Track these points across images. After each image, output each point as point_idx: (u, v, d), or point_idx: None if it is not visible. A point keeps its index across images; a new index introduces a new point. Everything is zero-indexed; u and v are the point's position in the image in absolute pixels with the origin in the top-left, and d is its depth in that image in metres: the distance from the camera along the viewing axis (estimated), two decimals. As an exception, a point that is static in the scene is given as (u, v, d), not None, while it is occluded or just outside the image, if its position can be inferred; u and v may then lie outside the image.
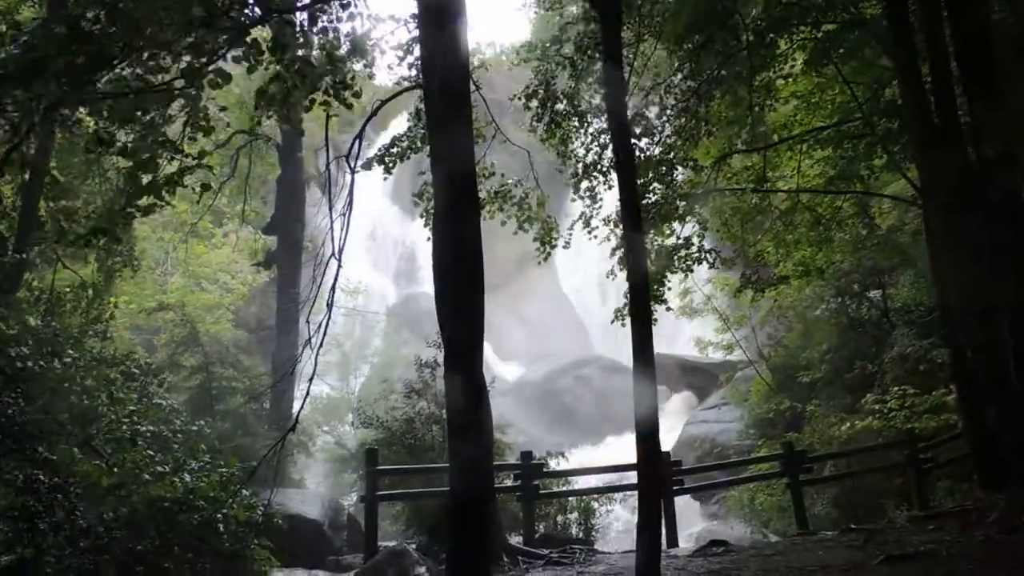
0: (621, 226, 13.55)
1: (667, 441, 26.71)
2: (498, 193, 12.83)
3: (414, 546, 13.79)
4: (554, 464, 15.24)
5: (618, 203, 14.36)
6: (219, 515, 9.47)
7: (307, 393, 9.09)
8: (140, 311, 21.17)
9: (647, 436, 6.55)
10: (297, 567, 12.12)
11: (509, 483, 13.16)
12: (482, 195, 12.84)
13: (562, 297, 42.41)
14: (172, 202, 9.82)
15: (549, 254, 14.04)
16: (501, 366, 35.95)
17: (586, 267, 42.58)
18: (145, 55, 7.88)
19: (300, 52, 8.73)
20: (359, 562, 12.07)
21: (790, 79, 14.74)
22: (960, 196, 10.01)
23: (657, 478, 6.82)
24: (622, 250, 14.03)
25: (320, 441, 26.04)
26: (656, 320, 15.93)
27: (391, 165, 12.33)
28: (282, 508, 14.18)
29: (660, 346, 30.44)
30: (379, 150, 12.25)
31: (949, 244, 10.42)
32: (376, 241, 44.47)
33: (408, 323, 35.29)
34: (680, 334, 30.90)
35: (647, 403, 6.65)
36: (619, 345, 38.17)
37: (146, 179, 8.96)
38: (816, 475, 14.46)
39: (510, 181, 12.89)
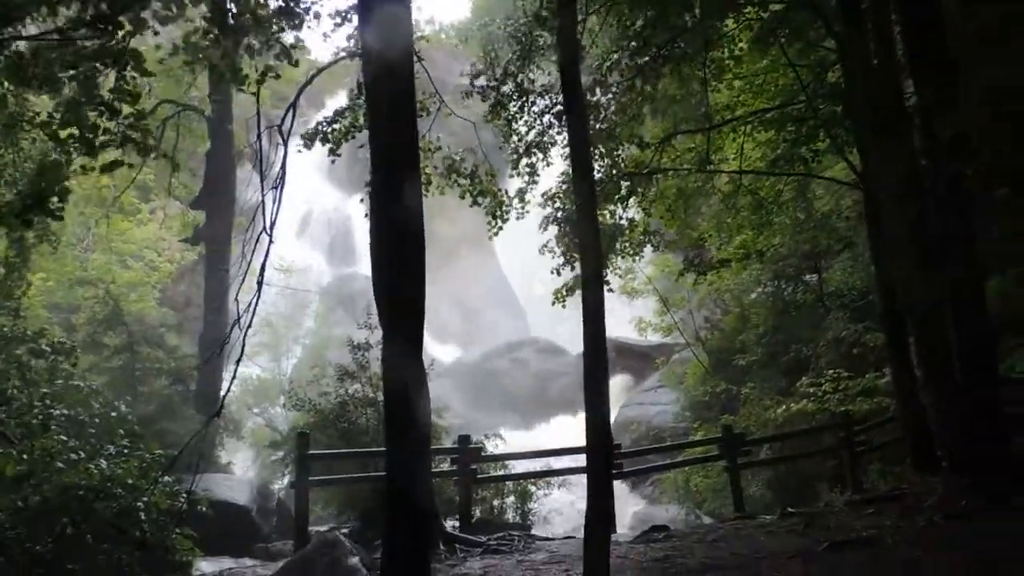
0: (569, 203, 13.33)
1: (603, 423, 26.81)
2: (450, 167, 12.40)
3: (347, 530, 13.45)
4: (491, 447, 14.98)
5: (560, 177, 14.35)
6: (139, 503, 8.94)
7: (234, 375, 8.57)
8: (59, 288, 20.17)
9: (598, 425, 6.26)
10: (224, 555, 11.61)
11: (446, 467, 12.86)
12: (429, 170, 12.43)
13: (501, 279, 42.15)
14: (129, 161, 9.28)
15: (501, 228, 13.70)
16: (438, 348, 35.47)
17: (525, 248, 42.40)
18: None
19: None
20: (289, 549, 11.64)
21: (736, 60, 14.63)
22: (909, 184, 9.98)
23: (608, 469, 6.55)
24: (559, 229, 13.79)
25: (251, 423, 25.36)
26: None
27: (336, 144, 11.79)
28: (208, 494, 13.56)
29: (597, 328, 30.49)
30: (320, 124, 11.63)
31: (897, 232, 10.37)
32: (310, 219, 43.48)
33: (342, 303, 34.59)
34: (616, 315, 30.83)
35: (598, 390, 6.35)
36: (557, 327, 38.22)
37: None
38: (753, 458, 14.42)
39: (458, 154, 12.47)
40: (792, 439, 15.21)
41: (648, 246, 15.00)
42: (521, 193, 13.62)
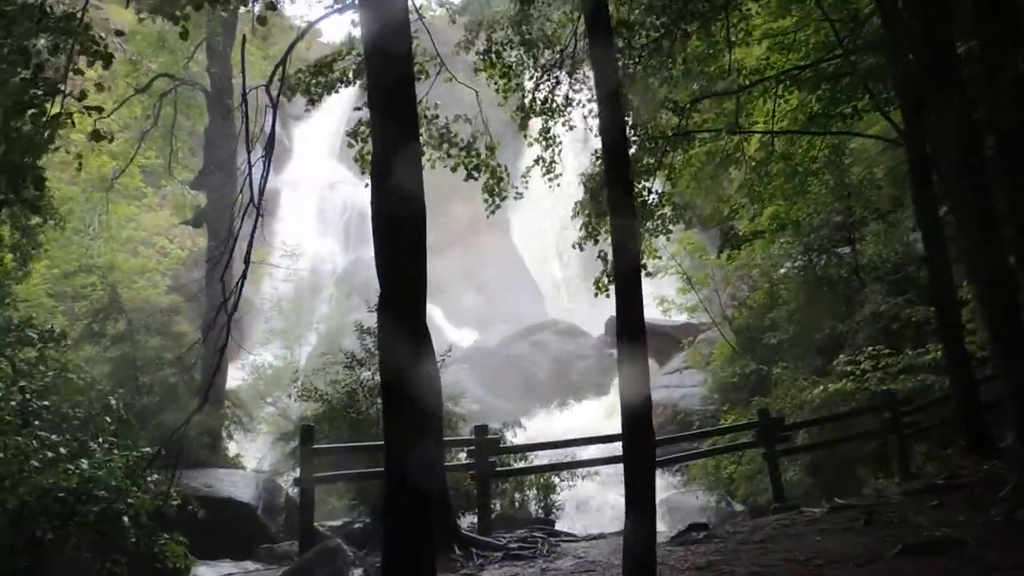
0: (604, 188, 12.32)
1: (627, 407, 25.86)
2: (442, 135, 11.41)
3: (360, 525, 12.64)
4: (511, 437, 14.12)
5: (595, 153, 13.29)
6: (123, 506, 8.14)
7: (217, 363, 7.77)
8: (64, 276, 19.46)
9: (637, 419, 5.35)
10: (225, 558, 10.82)
11: (463, 458, 12.03)
12: (423, 139, 11.49)
13: (516, 259, 41.21)
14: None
15: (498, 206, 12.70)
16: (454, 332, 34.71)
17: (540, 227, 41.43)
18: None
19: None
20: (295, 551, 10.82)
21: (762, 12, 13.62)
22: (966, 139, 8.96)
23: (650, 467, 5.62)
24: (583, 214, 12.77)
25: (264, 414, 24.66)
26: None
27: (317, 96, 10.79)
28: (210, 491, 12.89)
29: (615, 306, 29.66)
30: (299, 73, 10.65)
31: (956, 193, 9.33)
32: (324, 204, 42.71)
33: (357, 289, 33.77)
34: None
35: (638, 383, 5.44)
36: (575, 307, 37.26)
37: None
38: (791, 443, 13.45)
39: (453, 120, 11.47)
40: (834, 422, 14.17)
41: (679, 223, 13.98)
42: (544, 162, 12.59)
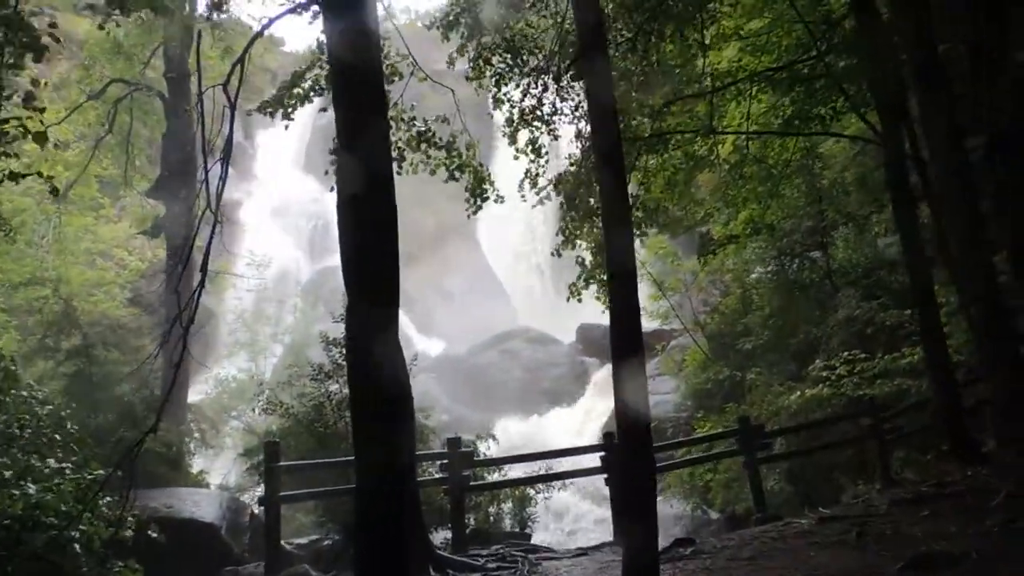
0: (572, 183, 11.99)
1: (598, 416, 25.64)
2: (421, 135, 10.98)
3: (329, 543, 12.16)
4: (484, 449, 13.71)
5: (570, 159, 12.96)
6: (74, 533, 7.61)
7: (173, 377, 7.30)
8: (17, 290, 18.67)
9: (636, 434, 5.00)
10: (185, 583, 10.27)
11: (434, 472, 11.61)
12: (403, 144, 11.10)
13: (485, 268, 40.83)
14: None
15: (480, 207, 12.32)
16: (423, 341, 34.22)
17: (509, 233, 41.13)
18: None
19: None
20: (260, 572, 10.32)
21: (735, 7, 13.44)
22: (955, 139, 8.78)
23: (651, 484, 5.26)
24: (562, 205, 12.40)
25: (231, 427, 23.98)
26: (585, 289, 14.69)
27: (290, 109, 10.36)
28: (171, 512, 12.32)
29: (588, 315, 29.15)
30: (280, 91, 10.19)
31: (947, 194, 9.15)
32: (288, 214, 42.03)
33: (323, 299, 33.14)
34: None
35: (637, 397, 5.09)
36: (545, 315, 36.93)
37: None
38: (771, 451, 13.18)
39: (432, 120, 11.06)
40: (814, 428, 13.96)
41: (652, 227, 13.68)
42: (531, 175, 12.23)
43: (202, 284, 6.89)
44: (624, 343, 5.20)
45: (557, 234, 12.81)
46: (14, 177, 7.11)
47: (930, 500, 8.52)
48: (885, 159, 12.01)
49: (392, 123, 10.63)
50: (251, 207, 40.81)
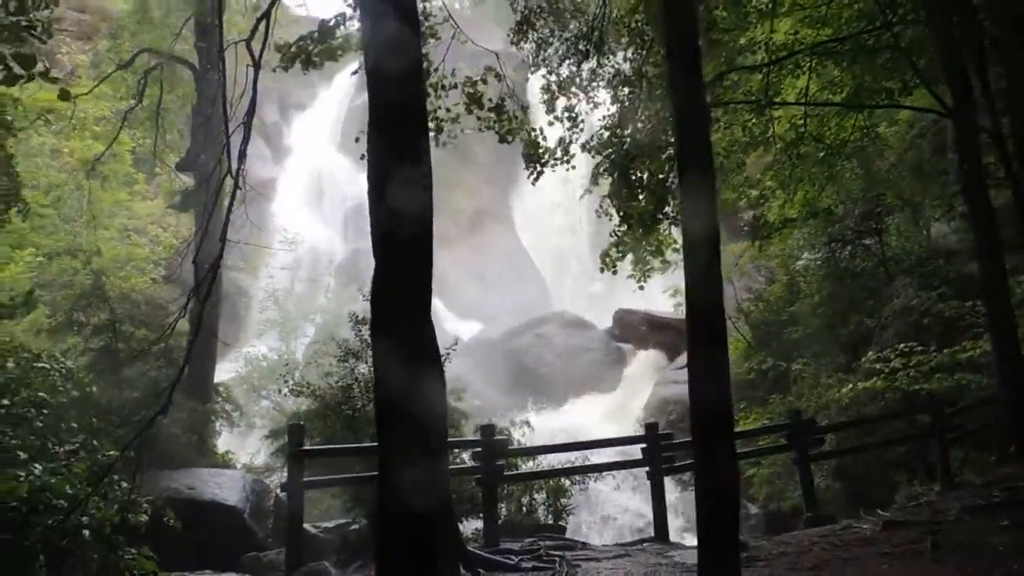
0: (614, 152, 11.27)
1: (635, 405, 24.95)
2: (471, 96, 10.31)
3: (356, 527, 11.66)
4: (518, 436, 13.14)
5: (605, 119, 12.25)
6: (83, 517, 7.15)
7: (187, 355, 6.74)
8: (44, 260, 18.39)
9: (712, 430, 4.35)
10: (206, 568, 9.82)
11: (466, 459, 11.08)
12: (442, 113, 10.43)
13: (521, 251, 40.15)
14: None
15: (541, 173, 11.69)
16: (457, 324, 33.69)
17: (545, 217, 40.44)
18: None
19: None
20: (283, 559, 9.84)
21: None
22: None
23: (731, 490, 4.60)
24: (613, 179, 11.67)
25: (261, 407, 23.68)
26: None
27: (318, 61, 9.66)
28: (193, 493, 11.93)
29: (625, 299, 28.32)
30: (301, 41, 9.48)
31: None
32: (323, 194, 41.68)
33: (356, 280, 32.71)
34: (646, 285, 28.96)
35: (717, 389, 4.46)
36: (580, 299, 36.25)
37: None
38: (823, 447, 12.44)
39: (480, 78, 10.39)
40: (868, 424, 13.19)
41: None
42: (563, 143, 11.58)
43: (220, 255, 6.36)
44: (702, 325, 4.54)
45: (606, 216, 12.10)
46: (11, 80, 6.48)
47: (1007, 508, 7.78)
48: (955, 137, 11.20)
49: (431, 90, 10.01)
50: (286, 186, 40.52)
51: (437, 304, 36.16)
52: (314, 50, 8.91)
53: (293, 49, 9.05)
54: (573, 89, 11.41)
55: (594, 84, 11.48)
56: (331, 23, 8.61)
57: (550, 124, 11.65)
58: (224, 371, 24.92)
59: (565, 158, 11.59)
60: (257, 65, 6.94)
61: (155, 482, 11.53)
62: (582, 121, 11.67)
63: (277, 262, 28.02)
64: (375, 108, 6.08)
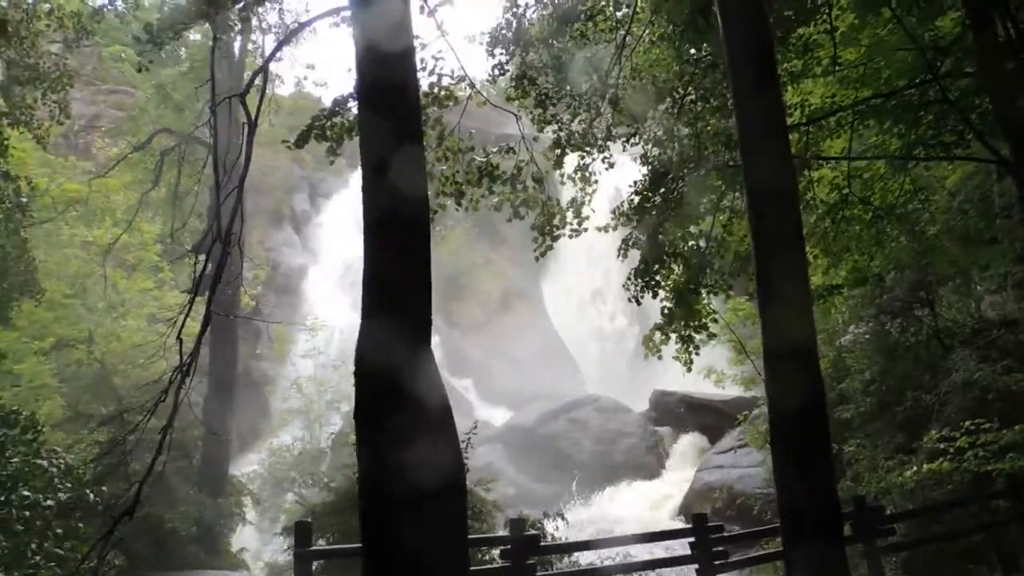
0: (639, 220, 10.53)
1: (677, 491, 23.60)
2: (481, 169, 9.64)
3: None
4: (551, 530, 12.05)
5: (633, 187, 11.52)
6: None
7: (161, 442, 5.95)
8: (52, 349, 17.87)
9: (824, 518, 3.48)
10: None
11: (495, 557, 10.05)
12: (460, 178, 9.81)
13: (552, 333, 39.30)
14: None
15: (550, 247, 10.91)
16: (487, 410, 32.71)
17: (574, 299, 39.75)
18: None
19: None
20: None
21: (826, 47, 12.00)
22: None
23: None
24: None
25: (287, 501, 22.73)
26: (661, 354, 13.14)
27: (336, 140, 9.13)
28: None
29: (660, 380, 27.20)
30: (315, 120, 8.92)
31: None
32: (352, 280, 41.42)
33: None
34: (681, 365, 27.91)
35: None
36: (614, 381, 35.11)
37: None
38: (893, 537, 11.22)
39: (495, 150, 9.75)
40: (938, 511, 11.98)
41: (738, 276, 12.13)
42: (575, 205, 10.88)
43: (204, 327, 5.62)
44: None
45: (632, 279, 11.26)
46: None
47: None
48: (1019, 190, 10.32)
49: (448, 154, 9.41)
50: (316, 274, 40.43)
51: (467, 387, 35.36)
52: (327, 124, 8.40)
53: (305, 129, 8.59)
54: (586, 147, 10.74)
55: (610, 143, 10.83)
56: (344, 97, 8.17)
57: (561, 183, 11.01)
58: (247, 463, 24.11)
59: (576, 222, 10.86)
60: (251, 123, 6.34)
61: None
62: (596, 181, 10.99)
63: (299, 350, 27.38)
64: (368, 89, 5.52)
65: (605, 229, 11.41)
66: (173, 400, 5.82)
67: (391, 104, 5.38)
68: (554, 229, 10.63)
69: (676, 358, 12.59)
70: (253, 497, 16.99)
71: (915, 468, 13.43)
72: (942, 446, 13.51)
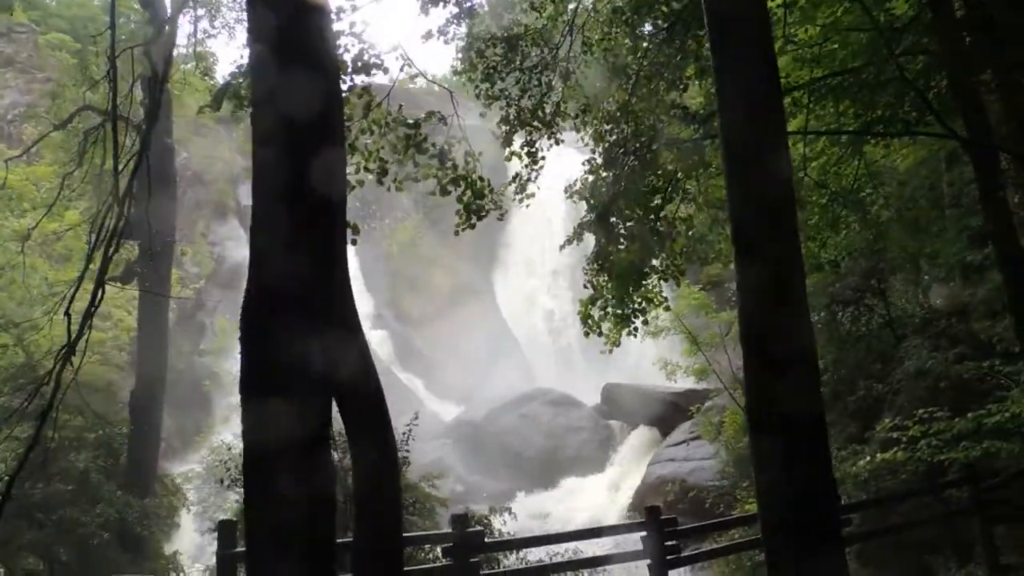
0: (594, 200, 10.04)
1: (628, 485, 23.28)
2: (409, 138, 8.99)
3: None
4: (499, 525, 11.55)
5: (586, 165, 11.09)
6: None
7: (33, 440, 5.34)
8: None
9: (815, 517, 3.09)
10: None
11: (437, 556, 9.51)
12: (386, 153, 9.18)
13: (503, 329, 38.81)
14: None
15: (471, 225, 10.23)
16: (437, 405, 32.13)
17: (526, 289, 39.36)
18: None
19: None
20: None
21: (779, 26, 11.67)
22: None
23: None
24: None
25: (231, 500, 21.89)
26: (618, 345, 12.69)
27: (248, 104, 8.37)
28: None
29: (611, 373, 26.89)
30: (231, 77, 8.18)
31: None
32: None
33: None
34: (634, 357, 27.65)
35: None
36: (565, 375, 34.74)
37: None
38: (848, 528, 10.89)
39: (424, 118, 9.10)
40: (894, 501, 11.76)
41: (694, 261, 11.73)
42: (520, 180, 10.36)
43: (93, 301, 4.98)
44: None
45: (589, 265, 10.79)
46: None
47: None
48: (974, 164, 10.09)
49: (375, 126, 8.80)
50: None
51: (416, 384, 34.72)
52: (242, 84, 7.68)
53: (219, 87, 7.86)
54: (535, 123, 10.22)
55: (559, 119, 10.34)
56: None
57: (506, 159, 10.47)
58: (186, 462, 23.32)
59: (520, 197, 10.35)
60: (159, 77, 5.68)
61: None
62: (543, 158, 10.49)
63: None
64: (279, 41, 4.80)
65: (567, 244, 10.95)
66: (55, 382, 5.13)
67: (289, 40, 4.70)
68: (480, 208, 10.00)
69: (603, 336, 12.03)
70: (182, 497, 16.14)
71: (868, 458, 13.25)
72: (895, 435, 13.34)
